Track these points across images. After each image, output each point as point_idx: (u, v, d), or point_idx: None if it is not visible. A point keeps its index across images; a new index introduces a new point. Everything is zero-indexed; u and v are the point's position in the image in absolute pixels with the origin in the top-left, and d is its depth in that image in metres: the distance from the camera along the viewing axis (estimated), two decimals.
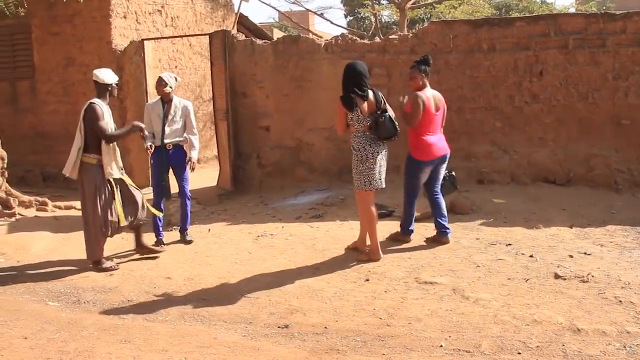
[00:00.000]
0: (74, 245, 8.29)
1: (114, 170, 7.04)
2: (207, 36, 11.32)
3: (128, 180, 7.30)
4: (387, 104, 6.78)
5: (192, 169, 8.05)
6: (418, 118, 6.93)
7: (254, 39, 11.15)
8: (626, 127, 9.37)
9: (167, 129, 7.85)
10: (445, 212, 7.35)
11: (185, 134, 8.00)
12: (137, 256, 7.64)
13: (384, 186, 6.97)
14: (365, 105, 6.61)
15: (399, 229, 7.52)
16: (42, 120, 12.55)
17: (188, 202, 8.22)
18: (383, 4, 35.55)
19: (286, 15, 30.45)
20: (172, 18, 13.66)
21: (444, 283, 6.07)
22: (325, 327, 5.26)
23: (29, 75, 12.60)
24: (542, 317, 5.15)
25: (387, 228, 7.82)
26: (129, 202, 7.23)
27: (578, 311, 5.26)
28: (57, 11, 11.99)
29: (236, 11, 16.93)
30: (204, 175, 11.12)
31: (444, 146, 7.30)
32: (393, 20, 35.59)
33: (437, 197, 7.40)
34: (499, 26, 9.75)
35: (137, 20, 12.48)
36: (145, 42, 11.63)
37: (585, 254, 6.69)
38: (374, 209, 6.91)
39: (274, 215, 9.10)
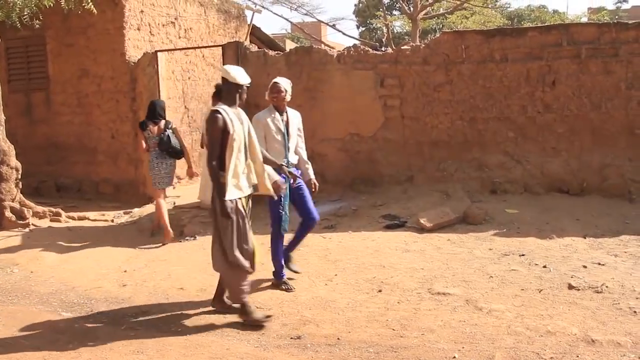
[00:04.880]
0: (87, 256, 8.34)
1: (231, 190, 5.69)
2: (220, 47, 11.36)
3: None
4: (173, 130, 9.10)
5: (315, 190, 6.84)
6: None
7: (266, 50, 11.17)
8: (639, 136, 9.31)
9: (290, 146, 6.62)
10: None
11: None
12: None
13: (161, 187, 9.16)
14: (155, 128, 9.01)
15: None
16: (56, 131, 12.63)
17: (312, 227, 6.93)
18: (395, 15, 35.68)
19: (298, 27, 30.60)
20: (185, 30, 13.74)
21: (457, 294, 6.06)
22: (338, 338, 5.25)
23: (43, 87, 12.70)
24: (556, 328, 5.13)
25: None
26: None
27: (592, 322, 5.23)
28: (72, 23, 12.09)
29: (249, 23, 16.99)
30: None
31: None
32: (405, 30, 35.72)
33: None
34: (511, 36, 9.74)
35: (150, 32, 12.56)
36: (158, 53, 11.70)
37: (599, 264, 6.66)
38: (161, 200, 9.15)
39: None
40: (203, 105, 14.21)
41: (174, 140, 9.07)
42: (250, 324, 5.66)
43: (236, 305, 5.86)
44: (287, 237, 6.78)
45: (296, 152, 6.78)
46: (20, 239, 9.13)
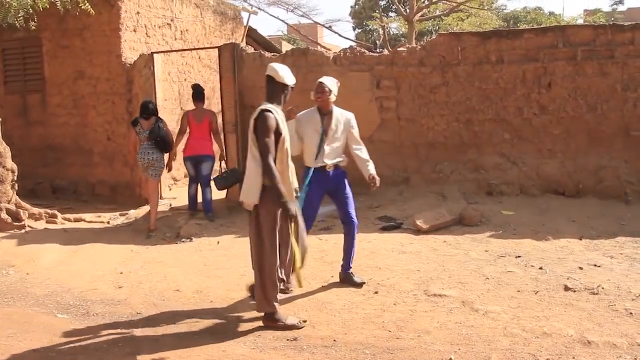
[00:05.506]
0: (83, 258, 8.33)
1: (290, 193, 5.60)
2: (216, 49, 11.34)
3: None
4: (162, 124, 9.63)
5: (374, 186, 6.55)
6: (182, 128, 10.23)
7: (262, 52, 11.18)
8: (635, 138, 9.32)
9: (327, 148, 6.39)
10: (208, 196, 10.00)
11: (343, 155, 6.61)
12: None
13: (148, 176, 9.72)
14: (146, 123, 9.51)
15: None
16: (52, 132, 12.62)
17: (356, 232, 6.75)
18: (391, 17, 35.67)
19: (295, 28, 30.61)
20: (181, 31, 13.73)
21: (453, 295, 6.06)
22: (334, 340, 5.24)
23: (39, 88, 12.68)
24: (552, 330, 5.13)
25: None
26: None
27: (588, 323, 5.24)
28: (68, 25, 12.07)
29: (245, 24, 16.98)
30: (212, 187, 11.18)
31: (200, 148, 10.01)
32: (401, 32, 35.73)
33: (204, 188, 10.06)
34: (507, 38, 9.75)
35: (146, 33, 12.55)
36: (154, 55, 11.68)
37: (595, 265, 6.67)
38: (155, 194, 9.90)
39: None
40: None
41: (163, 132, 9.58)
42: (284, 329, 5.51)
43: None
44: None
45: (349, 153, 6.57)
46: (16, 241, 9.10)
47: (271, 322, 5.59)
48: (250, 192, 5.45)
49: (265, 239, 5.53)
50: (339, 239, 8.06)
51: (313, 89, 6.45)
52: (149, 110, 9.61)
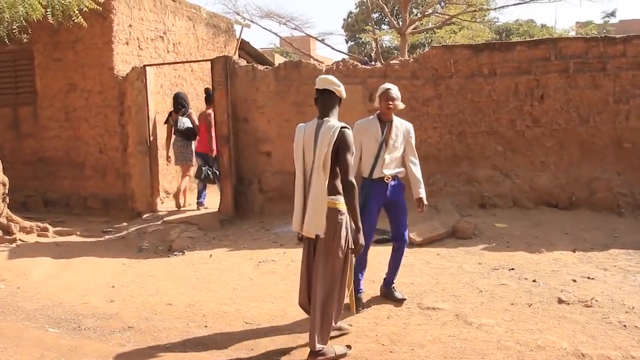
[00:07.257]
0: (74, 271, 8.27)
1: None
2: (209, 62, 11.36)
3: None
4: (188, 118, 11.41)
5: (421, 211, 6.38)
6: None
7: (255, 65, 11.18)
8: (628, 150, 9.37)
9: (387, 157, 6.15)
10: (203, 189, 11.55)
11: (402, 166, 6.35)
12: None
13: (178, 163, 11.64)
14: (175, 116, 11.28)
15: None
16: (43, 145, 12.57)
17: (404, 249, 6.49)
18: (384, 30, 35.83)
19: (287, 41, 30.66)
20: (174, 44, 13.72)
21: (446, 309, 6.04)
22: None
23: (31, 101, 12.63)
24: (546, 343, 5.11)
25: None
26: None
27: (582, 336, 5.22)
28: (60, 37, 12.05)
29: (238, 37, 17.01)
30: (205, 200, 11.19)
31: (201, 147, 11.34)
32: (394, 45, 35.85)
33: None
34: (500, 50, 9.79)
35: (139, 46, 12.54)
36: (147, 68, 11.66)
37: (588, 278, 6.67)
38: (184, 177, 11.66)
39: (276, 240, 9.07)
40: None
41: (183, 123, 11.30)
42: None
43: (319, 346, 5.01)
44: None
45: (405, 166, 6.33)
46: (7, 254, 9.05)
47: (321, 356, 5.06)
48: (317, 220, 4.95)
49: (336, 267, 5.07)
50: None
51: (376, 96, 6.20)
52: (178, 105, 11.39)
